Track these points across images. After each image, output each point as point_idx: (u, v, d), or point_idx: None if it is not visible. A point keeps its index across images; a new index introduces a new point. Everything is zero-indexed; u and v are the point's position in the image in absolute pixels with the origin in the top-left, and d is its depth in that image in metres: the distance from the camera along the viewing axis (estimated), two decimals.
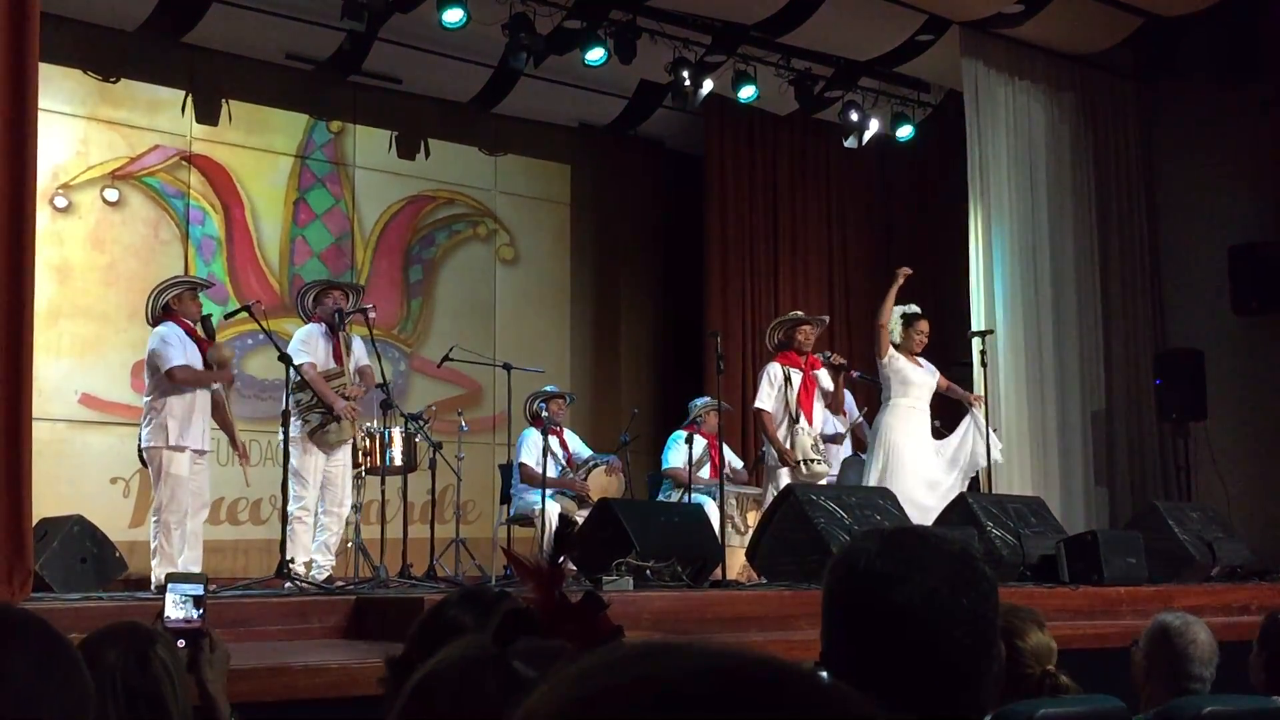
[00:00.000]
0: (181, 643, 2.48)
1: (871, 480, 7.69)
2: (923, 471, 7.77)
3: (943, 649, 1.43)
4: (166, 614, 2.50)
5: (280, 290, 9.61)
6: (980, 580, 1.48)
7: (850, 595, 1.49)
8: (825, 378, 8.12)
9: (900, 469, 7.68)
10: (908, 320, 7.98)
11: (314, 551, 6.94)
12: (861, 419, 9.06)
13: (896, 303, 8.01)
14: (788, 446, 7.81)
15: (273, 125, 9.83)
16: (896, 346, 7.94)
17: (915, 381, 7.92)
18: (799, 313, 8.48)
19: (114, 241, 9.04)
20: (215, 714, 2.49)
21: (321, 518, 7.03)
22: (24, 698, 1.17)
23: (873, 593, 1.46)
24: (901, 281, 8.06)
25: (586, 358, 11.07)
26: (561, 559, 1.15)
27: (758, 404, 8.00)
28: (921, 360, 8.05)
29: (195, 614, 2.53)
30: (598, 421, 10.25)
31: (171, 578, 2.59)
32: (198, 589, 2.56)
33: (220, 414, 6.90)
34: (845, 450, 8.84)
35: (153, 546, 6.55)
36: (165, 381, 6.53)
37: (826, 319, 8.64)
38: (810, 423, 7.88)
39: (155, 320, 6.69)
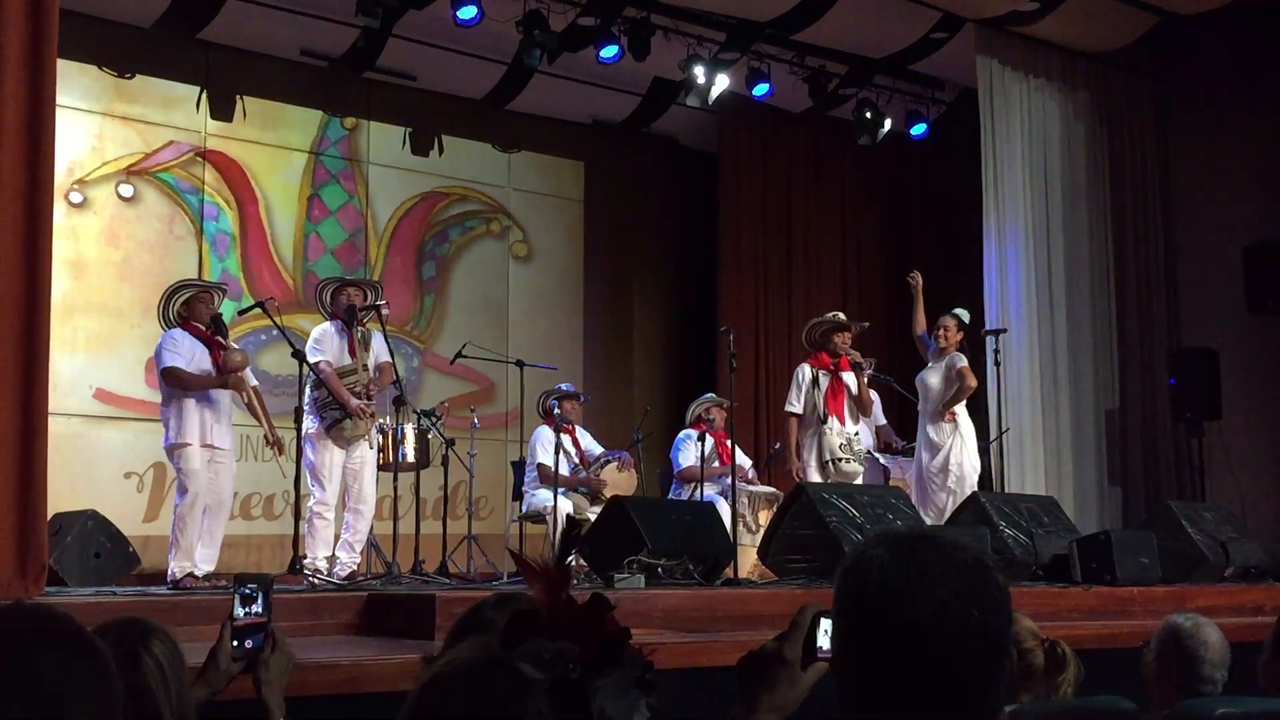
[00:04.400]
0: (249, 643, 2.49)
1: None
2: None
3: (954, 659, 1.44)
4: (234, 612, 2.51)
5: (294, 286, 9.64)
6: (993, 591, 1.47)
7: (862, 604, 1.48)
8: (852, 381, 8.07)
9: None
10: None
11: (338, 549, 6.96)
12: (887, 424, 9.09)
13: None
14: (815, 447, 7.89)
15: (287, 121, 9.85)
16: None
17: None
18: (841, 316, 8.41)
19: (129, 237, 9.07)
20: (266, 716, 2.49)
21: (346, 515, 7.04)
22: (54, 698, 1.16)
23: (885, 603, 1.45)
24: (916, 285, 8.31)
25: (599, 354, 11.07)
26: (568, 560, 1.15)
27: (787, 408, 8.12)
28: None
29: (258, 612, 2.53)
30: (610, 418, 10.25)
31: (239, 578, 2.59)
32: (263, 588, 2.56)
33: (251, 407, 6.92)
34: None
35: (170, 541, 6.59)
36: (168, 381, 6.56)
37: (866, 324, 8.63)
38: (842, 423, 7.92)
39: (169, 324, 6.71)
